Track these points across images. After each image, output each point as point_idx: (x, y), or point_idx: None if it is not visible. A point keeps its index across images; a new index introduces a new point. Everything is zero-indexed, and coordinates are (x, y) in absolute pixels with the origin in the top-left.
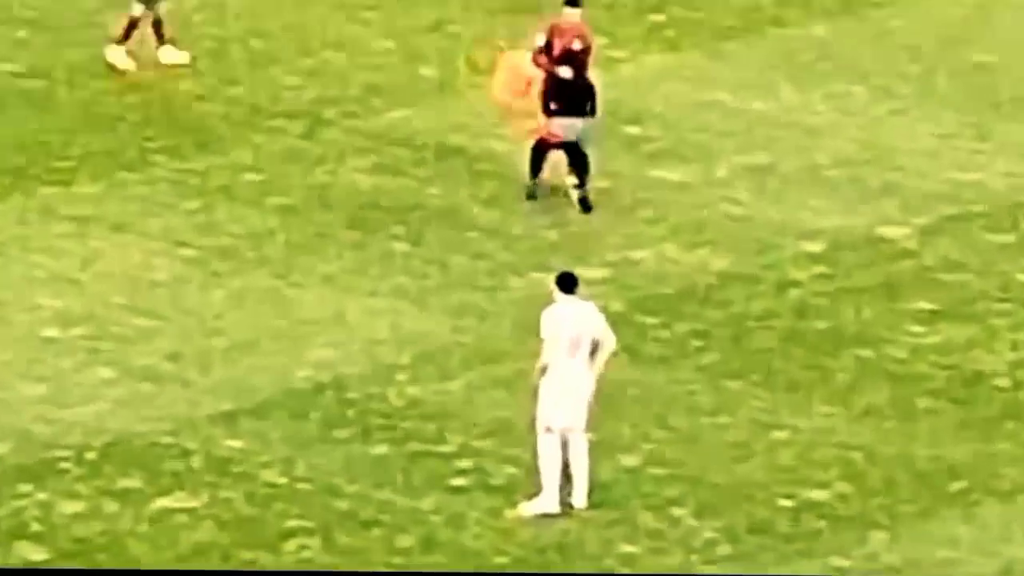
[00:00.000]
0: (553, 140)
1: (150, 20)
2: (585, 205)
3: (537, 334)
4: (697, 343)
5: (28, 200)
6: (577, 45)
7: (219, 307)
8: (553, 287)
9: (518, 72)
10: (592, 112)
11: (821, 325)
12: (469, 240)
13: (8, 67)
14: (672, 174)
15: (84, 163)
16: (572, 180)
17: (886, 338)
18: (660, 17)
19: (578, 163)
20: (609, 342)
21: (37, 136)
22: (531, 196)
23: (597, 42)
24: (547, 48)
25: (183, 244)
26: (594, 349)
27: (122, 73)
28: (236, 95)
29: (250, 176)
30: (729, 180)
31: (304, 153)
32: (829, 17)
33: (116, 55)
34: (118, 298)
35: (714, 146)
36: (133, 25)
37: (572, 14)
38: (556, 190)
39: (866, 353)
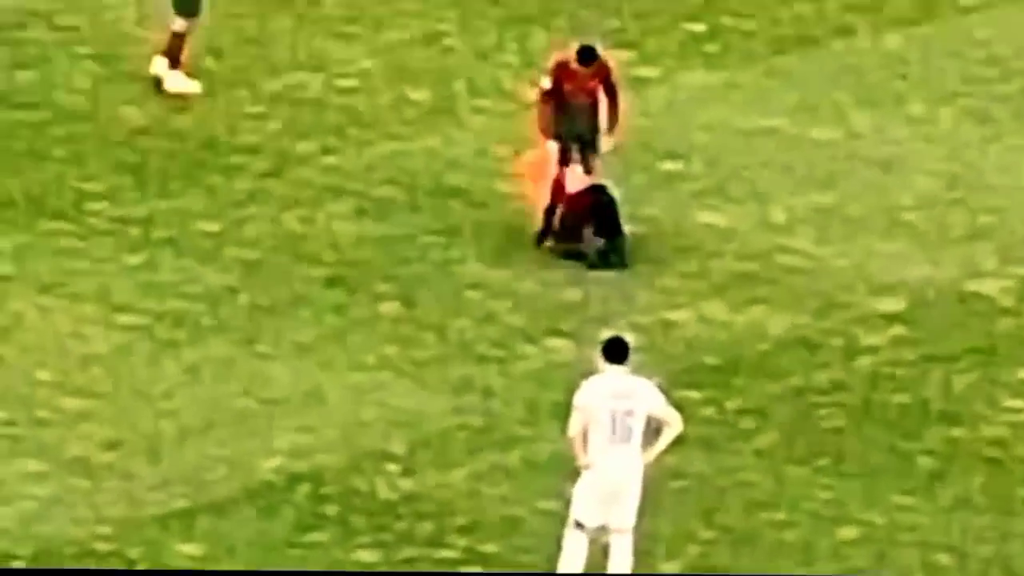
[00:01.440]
0: (578, 191)
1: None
2: (609, 259)
3: (554, 414)
4: (751, 423)
5: None
6: (587, 99)
7: (169, 384)
8: (598, 356)
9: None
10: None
11: (901, 399)
12: (471, 301)
13: None
14: (718, 218)
15: (2, 210)
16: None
17: (980, 414)
18: (700, 27)
19: (607, 214)
20: (674, 423)
21: None
22: (542, 241)
23: (622, 63)
24: (555, 92)
25: (123, 308)
26: (655, 431)
27: (185, 97)
28: (185, 127)
29: (204, 225)
30: (787, 225)
31: (270, 196)
32: (905, 26)
33: (176, 81)
34: (45, 374)
35: (768, 184)
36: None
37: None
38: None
39: (956, 433)
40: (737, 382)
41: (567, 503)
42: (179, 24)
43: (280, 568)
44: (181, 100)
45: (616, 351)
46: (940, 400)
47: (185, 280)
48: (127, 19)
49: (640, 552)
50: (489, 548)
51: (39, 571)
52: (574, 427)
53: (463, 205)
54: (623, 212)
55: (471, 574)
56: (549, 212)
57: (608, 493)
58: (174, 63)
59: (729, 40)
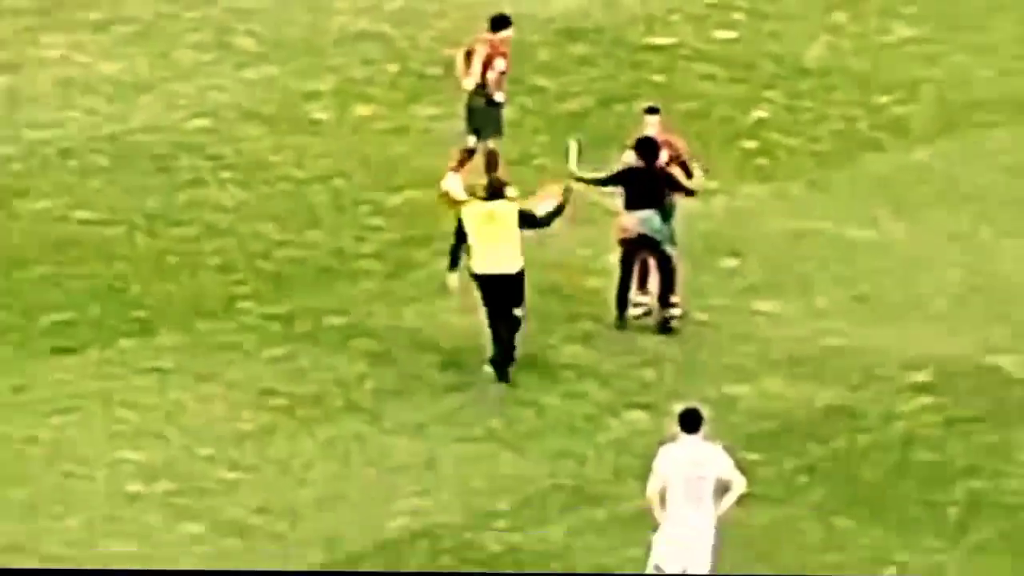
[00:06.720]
0: (627, 236)
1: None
2: (664, 328)
3: (637, 476)
4: (803, 479)
5: (107, 352)
6: (662, 155)
7: (307, 457)
8: (675, 425)
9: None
10: (668, 201)
11: (930, 457)
12: (564, 380)
13: (84, 214)
14: (771, 306)
15: (164, 312)
16: (647, 300)
17: (999, 469)
18: (753, 144)
19: (661, 269)
20: (739, 483)
21: (115, 284)
22: (620, 324)
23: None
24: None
25: (269, 393)
26: (723, 490)
27: (456, 201)
28: (317, 239)
29: (335, 320)
30: (830, 311)
31: (392, 295)
32: (928, 140)
33: (451, 182)
34: (203, 450)
35: (814, 277)
36: (469, 156)
37: (651, 121)
38: (646, 328)
39: (978, 485)
40: (791, 445)
41: (648, 552)
42: (472, 142)
43: None
44: (317, 216)
45: (691, 421)
46: (964, 458)
47: (320, 368)
48: (264, 148)
49: None
50: None
51: (39, 571)
52: (652, 489)
53: (557, 299)
54: (690, 302)
55: (471, 574)
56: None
57: (683, 545)
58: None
59: (777, 155)
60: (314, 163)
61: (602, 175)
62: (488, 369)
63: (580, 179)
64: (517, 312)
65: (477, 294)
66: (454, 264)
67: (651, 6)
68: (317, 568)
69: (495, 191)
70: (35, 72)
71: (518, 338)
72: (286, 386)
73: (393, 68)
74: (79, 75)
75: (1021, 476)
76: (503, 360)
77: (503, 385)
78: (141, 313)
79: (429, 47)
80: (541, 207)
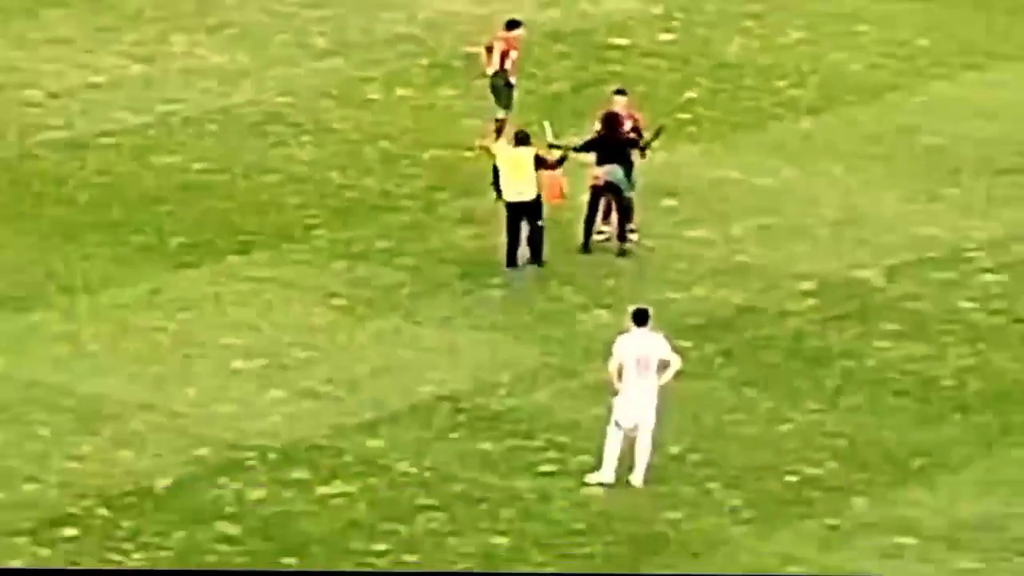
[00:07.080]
0: (597, 183)
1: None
2: (620, 252)
3: (601, 357)
4: (721, 360)
5: (217, 266)
6: (627, 125)
7: (362, 343)
8: (629, 319)
9: (553, 179)
10: (631, 157)
11: (814, 344)
12: (550, 286)
13: (200, 166)
14: (699, 234)
15: (259, 237)
16: (608, 229)
17: (863, 353)
18: (686, 116)
19: (620, 208)
20: (675, 362)
21: (223, 217)
22: (585, 250)
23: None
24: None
25: (335, 296)
26: (664, 367)
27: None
28: (369, 183)
29: (383, 243)
30: (742, 237)
31: (423, 225)
32: (813, 112)
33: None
34: (287, 337)
35: (730, 212)
36: (501, 127)
37: (619, 100)
38: (608, 249)
39: (848, 364)
40: (712, 335)
41: (609, 411)
42: (500, 114)
43: (434, 454)
44: (369, 167)
45: (641, 317)
46: (838, 345)
47: (371, 277)
48: (331, 118)
49: (655, 442)
50: (562, 439)
51: (36, 571)
52: (612, 365)
53: (548, 227)
54: (636, 224)
55: (468, 574)
56: (589, 223)
57: (635, 407)
58: (497, 137)
59: (703, 124)
60: (367, 129)
61: (580, 143)
62: (510, 271)
63: (568, 148)
64: (539, 223)
65: (500, 221)
66: (498, 195)
67: (613, 16)
68: (369, 420)
69: (520, 140)
70: (165, 62)
71: (545, 246)
72: (346, 291)
73: (425, 61)
74: (197, 64)
75: (878, 357)
76: (532, 256)
77: (503, 290)
78: (242, 238)
79: (451, 45)
80: (550, 158)
